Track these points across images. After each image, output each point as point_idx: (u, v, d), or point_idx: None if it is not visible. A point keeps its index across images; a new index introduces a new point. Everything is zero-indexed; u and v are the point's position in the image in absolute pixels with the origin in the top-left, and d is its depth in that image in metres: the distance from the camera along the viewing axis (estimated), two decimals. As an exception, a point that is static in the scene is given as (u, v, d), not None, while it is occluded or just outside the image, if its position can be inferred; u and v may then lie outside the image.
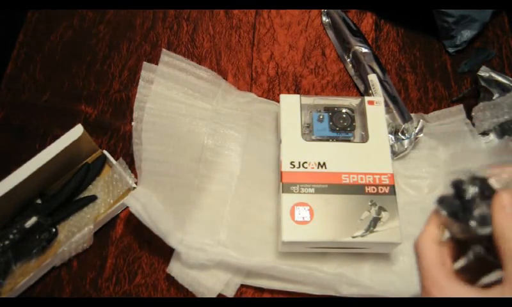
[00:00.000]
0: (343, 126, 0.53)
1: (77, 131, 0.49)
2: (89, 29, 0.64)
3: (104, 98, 0.59)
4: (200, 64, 0.58)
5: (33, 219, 0.48)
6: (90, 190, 0.52)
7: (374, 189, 0.48)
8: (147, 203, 0.48)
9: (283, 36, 0.64)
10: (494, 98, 0.57)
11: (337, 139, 0.52)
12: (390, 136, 0.56)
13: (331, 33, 0.65)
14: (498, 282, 0.28)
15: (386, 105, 0.57)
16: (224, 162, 0.54)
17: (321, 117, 0.53)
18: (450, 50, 0.63)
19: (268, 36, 0.64)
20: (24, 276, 0.47)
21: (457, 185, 0.30)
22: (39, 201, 0.50)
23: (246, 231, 0.51)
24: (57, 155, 0.48)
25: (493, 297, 0.27)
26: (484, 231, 0.28)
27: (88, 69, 0.61)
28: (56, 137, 0.49)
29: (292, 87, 0.61)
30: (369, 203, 0.48)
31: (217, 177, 0.53)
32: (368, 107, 0.53)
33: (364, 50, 0.61)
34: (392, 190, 0.48)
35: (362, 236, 0.46)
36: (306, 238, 0.46)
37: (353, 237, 0.46)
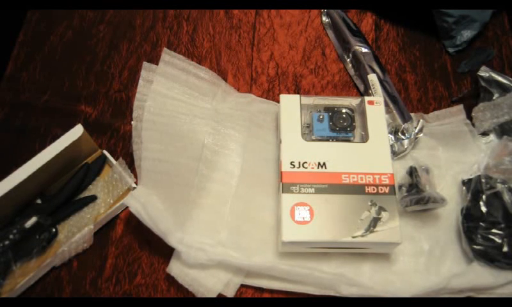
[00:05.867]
0: (343, 126, 0.53)
1: (77, 131, 0.49)
2: (89, 29, 0.64)
3: (103, 98, 0.59)
4: (200, 64, 0.58)
5: (33, 219, 0.48)
6: (90, 190, 0.52)
7: (374, 189, 0.48)
8: (147, 203, 0.48)
9: (283, 36, 0.64)
10: (494, 98, 0.57)
11: (337, 139, 0.52)
12: (390, 136, 0.56)
13: (331, 33, 0.65)
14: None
15: (386, 105, 0.57)
16: (225, 161, 0.54)
17: (321, 117, 0.53)
18: (450, 50, 0.63)
19: (268, 36, 0.64)
20: (24, 276, 0.47)
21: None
22: (39, 201, 0.50)
23: (246, 231, 0.51)
24: (57, 155, 0.48)
25: None
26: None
27: (88, 69, 0.61)
28: (56, 137, 0.49)
29: (292, 87, 0.61)
30: (369, 203, 0.48)
31: (217, 177, 0.53)
32: (368, 107, 0.53)
33: (364, 50, 0.61)
34: (392, 190, 0.48)
35: (362, 236, 0.46)
36: (306, 238, 0.46)
37: (353, 237, 0.46)
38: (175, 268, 0.48)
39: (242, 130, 0.56)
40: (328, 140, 0.52)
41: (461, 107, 0.57)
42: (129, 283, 0.49)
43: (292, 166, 0.49)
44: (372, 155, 0.50)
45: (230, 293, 0.48)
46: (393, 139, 0.56)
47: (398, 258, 0.50)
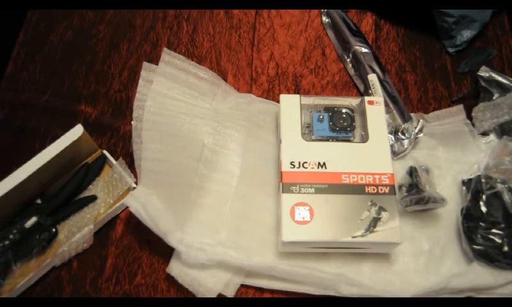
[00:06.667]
0: (343, 126, 0.53)
1: (77, 131, 0.49)
2: (89, 29, 0.64)
3: (104, 98, 0.59)
4: (200, 64, 0.58)
5: (33, 219, 0.48)
6: (90, 190, 0.52)
7: (374, 189, 0.48)
8: (147, 203, 0.48)
9: (283, 36, 0.64)
10: (494, 98, 0.57)
11: (337, 139, 0.52)
12: (390, 136, 0.56)
13: (331, 33, 0.65)
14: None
15: (386, 105, 0.57)
16: (225, 161, 0.54)
17: (321, 117, 0.53)
18: (450, 50, 0.63)
19: (268, 36, 0.64)
20: (24, 276, 0.47)
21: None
22: (39, 201, 0.50)
23: (246, 231, 0.51)
24: (57, 155, 0.48)
25: None
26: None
27: (88, 69, 0.61)
28: (56, 137, 0.49)
29: (292, 87, 0.61)
30: (369, 203, 0.48)
31: (217, 177, 0.53)
32: (368, 107, 0.53)
33: (364, 50, 0.61)
34: (392, 190, 0.48)
35: (362, 236, 0.46)
36: (306, 238, 0.46)
37: (353, 237, 0.46)
38: (175, 268, 0.48)
39: (242, 130, 0.56)
40: (328, 140, 0.52)
41: (461, 107, 0.57)
42: (129, 283, 0.49)
43: (292, 166, 0.49)
44: (372, 155, 0.50)
45: (230, 293, 0.48)
46: (393, 139, 0.56)
47: (398, 258, 0.50)
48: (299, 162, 0.50)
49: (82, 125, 0.49)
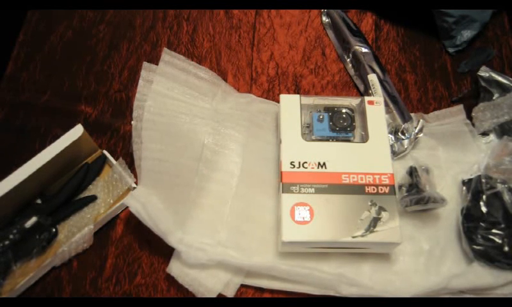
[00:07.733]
0: (343, 126, 0.53)
1: (77, 131, 0.49)
2: (89, 29, 0.64)
3: (104, 98, 0.59)
4: (200, 64, 0.58)
5: (33, 219, 0.48)
6: (90, 190, 0.52)
7: (374, 189, 0.48)
8: (147, 203, 0.48)
9: (283, 36, 0.64)
10: (494, 98, 0.57)
11: (337, 139, 0.52)
12: (390, 136, 0.56)
13: (331, 33, 0.65)
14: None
15: (386, 105, 0.57)
16: (225, 161, 0.54)
17: (321, 117, 0.53)
18: (450, 50, 0.63)
19: (268, 36, 0.64)
20: (24, 276, 0.47)
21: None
22: (39, 201, 0.50)
23: (246, 231, 0.51)
24: (57, 155, 0.48)
25: None
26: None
27: (88, 69, 0.61)
28: (56, 137, 0.49)
29: (292, 87, 0.61)
30: (369, 203, 0.48)
31: (217, 177, 0.53)
32: (368, 107, 0.53)
33: (364, 50, 0.61)
34: (392, 190, 0.48)
35: (362, 236, 0.46)
36: (306, 238, 0.46)
37: (353, 237, 0.46)
38: (175, 268, 0.48)
39: (242, 130, 0.56)
40: (328, 140, 0.52)
41: (461, 107, 0.57)
42: (129, 283, 0.49)
43: (292, 166, 0.49)
44: (372, 155, 0.50)
45: (230, 293, 0.48)
46: (393, 139, 0.56)
47: (398, 258, 0.50)
48: (299, 162, 0.50)
49: (82, 125, 0.49)
